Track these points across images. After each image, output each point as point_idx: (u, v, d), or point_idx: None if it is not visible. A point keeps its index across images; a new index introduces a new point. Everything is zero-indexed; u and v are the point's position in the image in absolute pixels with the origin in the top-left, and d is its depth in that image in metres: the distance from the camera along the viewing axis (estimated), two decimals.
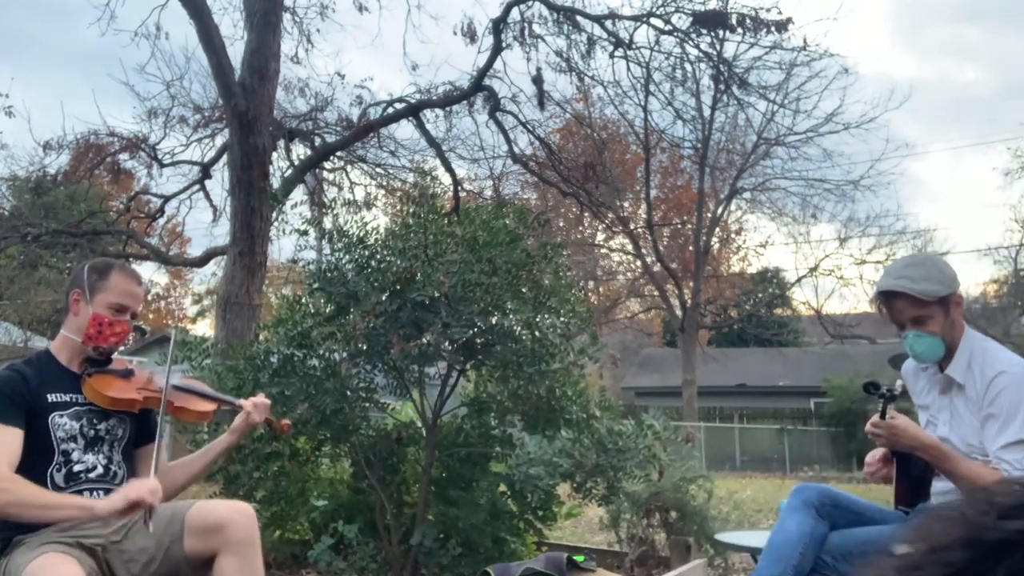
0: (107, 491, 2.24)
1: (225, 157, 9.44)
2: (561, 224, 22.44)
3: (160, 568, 2.15)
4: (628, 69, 10.00)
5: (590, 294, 25.45)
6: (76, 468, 2.23)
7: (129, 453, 2.39)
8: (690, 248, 22.39)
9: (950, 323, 2.31)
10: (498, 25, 9.10)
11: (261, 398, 2.54)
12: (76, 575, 1.94)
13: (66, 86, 38.75)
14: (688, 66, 9.79)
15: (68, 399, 2.27)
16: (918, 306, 2.28)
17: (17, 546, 2.08)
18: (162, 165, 11.32)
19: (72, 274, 2.50)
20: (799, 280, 23.69)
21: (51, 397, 2.25)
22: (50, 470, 2.19)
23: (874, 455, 2.57)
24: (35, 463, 2.14)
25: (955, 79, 46.33)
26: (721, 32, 9.05)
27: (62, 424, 2.23)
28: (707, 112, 18.14)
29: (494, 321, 3.84)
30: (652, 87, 10.33)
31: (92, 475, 2.25)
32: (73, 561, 1.98)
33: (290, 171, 10.47)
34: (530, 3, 9.14)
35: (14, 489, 2.04)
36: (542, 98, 9.54)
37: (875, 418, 2.25)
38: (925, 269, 2.32)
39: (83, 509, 2.07)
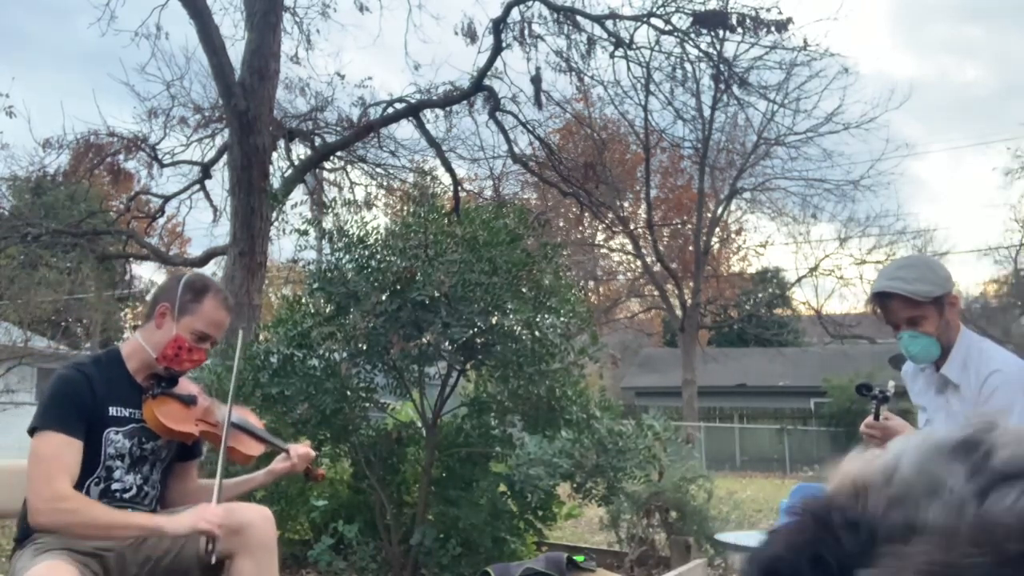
0: (134, 510, 2.22)
1: (225, 157, 9.44)
2: (561, 224, 22.44)
3: (173, 564, 2.16)
4: (628, 69, 10.00)
5: (590, 294, 25.45)
6: (114, 487, 2.20)
7: (169, 469, 2.38)
8: (690, 248, 22.38)
9: (945, 323, 2.32)
10: (498, 25, 9.10)
11: (307, 449, 2.51)
12: None
13: (66, 86, 38.77)
14: (688, 66, 9.79)
15: (127, 414, 2.22)
16: (912, 307, 2.30)
17: (31, 543, 2.07)
18: (162, 165, 11.31)
19: (165, 283, 2.41)
20: (799, 280, 23.69)
21: (112, 410, 2.19)
22: (89, 482, 2.16)
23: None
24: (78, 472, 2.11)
25: (955, 78, 46.39)
26: (721, 32, 9.05)
27: (115, 441, 2.19)
28: (707, 112, 18.12)
29: (494, 321, 3.84)
30: (652, 87, 10.34)
31: (126, 495, 2.23)
32: (72, 569, 1.95)
33: (290, 171, 10.46)
34: (530, 3, 9.14)
35: (80, 509, 2.01)
36: (539, 97, 9.53)
37: (869, 419, 2.26)
38: (918, 270, 2.33)
39: (149, 530, 2.04)
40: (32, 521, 2.03)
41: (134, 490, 2.24)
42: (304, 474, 2.60)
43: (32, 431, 2.10)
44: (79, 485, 2.11)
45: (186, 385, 2.38)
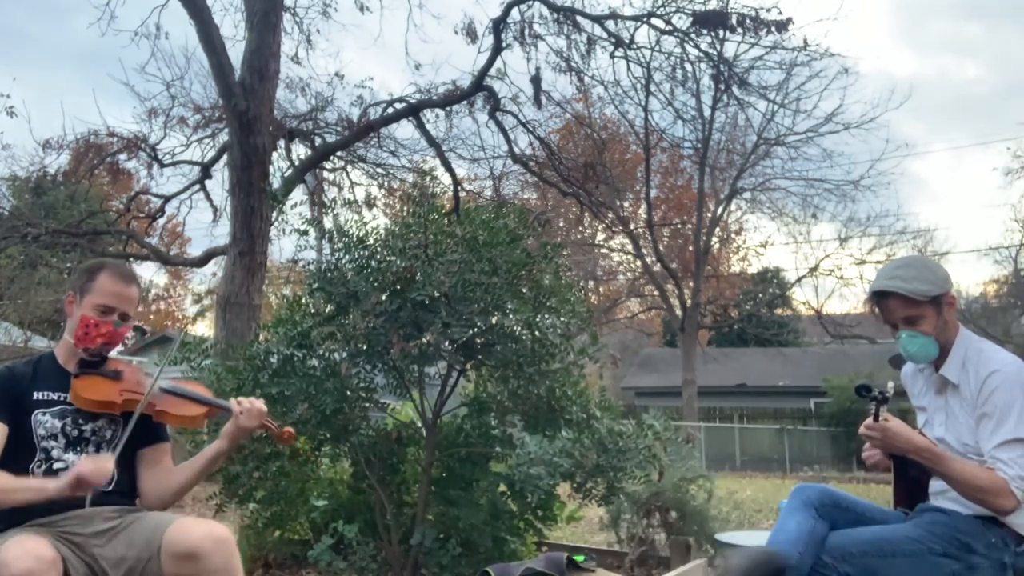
0: (96, 493, 2.24)
1: (225, 157, 9.45)
2: (561, 224, 22.45)
3: (145, 569, 2.15)
4: (628, 69, 10.04)
5: (590, 294, 25.47)
6: (56, 466, 2.25)
7: (129, 455, 2.38)
8: (690, 248, 22.39)
9: (943, 323, 2.32)
10: (498, 25, 9.10)
11: (255, 402, 2.42)
12: (43, 550, 1.95)
13: (64, 85, 38.80)
14: (688, 66, 9.81)
15: (55, 397, 2.31)
16: (910, 306, 2.30)
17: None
18: (162, 165, 11.33)
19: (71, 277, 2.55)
20: (799, 280, 23.72)
21: (37, 395, 2.29)
22: (31, 466, 2.23)
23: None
24: (18, 460, 2.19)
25: (956, 76, 46.41)
26: (721, 32, 9.06)
27: (44, 422, 2.27)
28: (707, 112, 18.14)
29: (494, 321, 3.83)
30: (652, 87, 10.36)
31: None
32: (42, 540, 2.00)
33: (290, 171, 10.48)
34: (530, 3, 9.15)
35: None
36: (539, 97, 9.54)
37: (868, 420, 2.26)
38: (916, 270, 2.34)
39: (37, 491, 2.10)
40: None
41: None
42: (267, 435, 2.56)
43: None
44: (23, 473, 2.18)
45: (115, 364, 2.44)
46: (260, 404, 2.43)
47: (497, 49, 9.13)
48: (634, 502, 4.92)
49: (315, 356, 4.06)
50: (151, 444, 2.45)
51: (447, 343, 3.86)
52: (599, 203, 12.39)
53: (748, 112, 13.93)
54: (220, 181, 13.73)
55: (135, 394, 2.36)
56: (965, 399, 2.29)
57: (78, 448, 2.30)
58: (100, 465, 2.10)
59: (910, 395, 2.57)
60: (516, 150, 10.59)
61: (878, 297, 2.37)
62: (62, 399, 2.31)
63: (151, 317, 30.89)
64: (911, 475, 2.42)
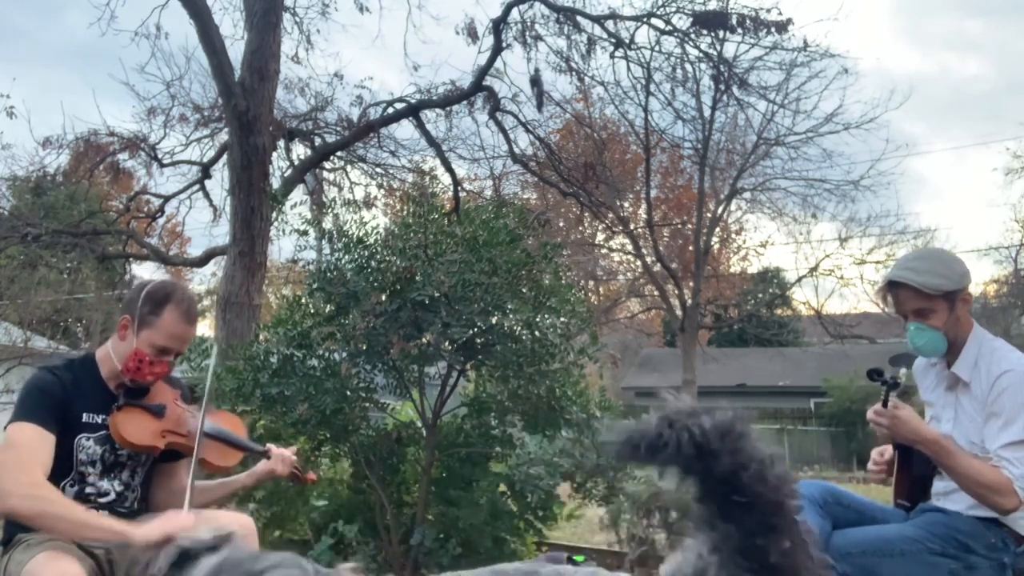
0: (115, 515, 2.23)
1: (225, 157, 9.44)
2: (561, 224, 22.44)
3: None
4: (628, 69, 10.01)
5: (590, 294, 25.46)
6: (88, 491, 2.22)
7: (153, 468, 2.38)
8: (690, 248, 22.38)
9: (955, 319, 2.31)
10: (498, 25, 9.10)
11: (289, 453, 2.51)
12: (75, 573, 1.92)
13: (60, 83, 38.74)
14: (688, 66, 9.79)
15: (99, 421, 2.23)
16: (921, 298, 2.30)
17: (18, 544, 2.07)
18: (162, 165, 11.32)
19: (130, 292, 2.39)
20: (799, 280, 23.64)
21: (84, 416, 2.20)
22: (63, 484, 2.17)
23: (882, 454, 2.56)
24: (51, 474, 2.10)
25: (957, 73, 46.33)
26: (721, 32, 9.06)
27: (87, 447, 2.20)
28: (707, 112, 18.12)
29: (494, 321, 3.84)
30: (652, 87, 10.35)
31: (103, 500, 2.24)
32: (72, 559, 1.96)
33: (290, 171, 10.47)
34: (530, 3, 9.15)
35: (50, 499, 1.99)
36: (541, 100, 9.53)
37: (877, 406, 2.25)
38: (931, 263, 2.33)
39: (117, 534, 1.98)
40: (2, 506, 2.01)
41: (113, 495, 2.25)
42: (292, 479, 2.59)
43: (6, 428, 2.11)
44: (54, 485, 2.10)
45: (161, 391, 2.35)
46: (291, 453, 2.52)
47: (497, 49, 9.12)
48: (634, 502, 4.92)
49: (315, 356, 4.06)
50: (174, 460, 2.43)
51: (447, 343, 3.87)
52: (599, 203, 12.37)
53: (748, 112, 13.93)
54: (220, 181, 13.70)
55: (178, 436, 2.30)
56: (976, 397, 2.28)
57: (112, 474, 2.26)
58: (186, 523, 2.01)
59: (920, 389, 2.56)
60: (516, 150, 10.59)
61: (891, 287, 2.37)
62: (105, 422, 2.23)
63: None
64: (915, 472, 2.42)
